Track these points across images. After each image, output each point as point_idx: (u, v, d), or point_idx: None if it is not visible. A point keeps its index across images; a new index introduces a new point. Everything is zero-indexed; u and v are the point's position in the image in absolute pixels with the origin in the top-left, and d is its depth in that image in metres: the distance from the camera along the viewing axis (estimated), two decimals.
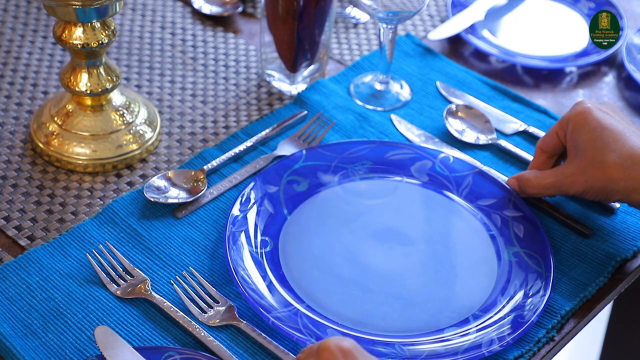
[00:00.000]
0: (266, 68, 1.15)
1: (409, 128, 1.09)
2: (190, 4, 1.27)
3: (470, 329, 0.86)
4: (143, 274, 0.89)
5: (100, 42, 0.98)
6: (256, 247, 0.92)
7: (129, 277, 0.89)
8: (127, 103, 1.05)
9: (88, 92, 1.00)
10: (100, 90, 1.01)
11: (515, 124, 1.10)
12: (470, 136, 1.07)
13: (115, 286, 0.88)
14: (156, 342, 0.84)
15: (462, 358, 0.83)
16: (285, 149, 1.04)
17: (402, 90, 1.14)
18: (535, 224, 0.95)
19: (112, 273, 0.89)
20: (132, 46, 1.20)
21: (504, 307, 0.88)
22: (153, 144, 1.05)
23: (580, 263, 0.94)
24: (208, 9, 1.26)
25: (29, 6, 1.25)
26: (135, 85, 1.14)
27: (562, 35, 1.26)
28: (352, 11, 1.28)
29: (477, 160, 1.04)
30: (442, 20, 1.28)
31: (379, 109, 1.11)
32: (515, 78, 1.19)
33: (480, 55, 1.22)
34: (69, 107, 1.03)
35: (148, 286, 0.88)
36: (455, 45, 1.24)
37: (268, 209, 0.96)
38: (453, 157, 1.02)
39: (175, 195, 0.97)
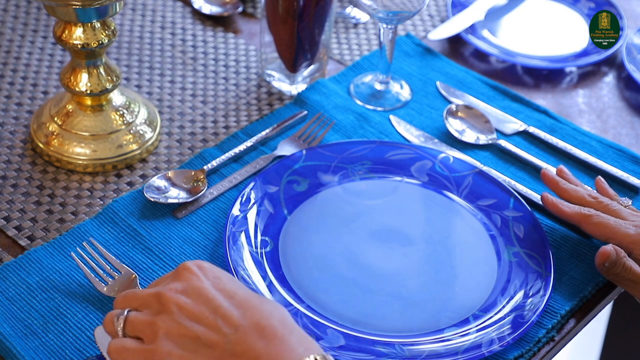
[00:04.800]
0: (266, 68, 1.15)
1: (407, 129, 1.08)
2: (190, 4, 1.27)
3: (470, 329, 0.86)
4: (130, 269, 0.88)
5: (100, 42, 0.98)
6: (256, 247, 0.92)
7: (116, 274, 0.88)
8: (127, 103, 1.05)
9: (88, 92, 1.00)
10: (100, 90, 1.01)
11: (515, 124, 1.10)
12: (470, 136, 1.07)
13: (104, 284, 0.87)
14: None
15: (462, 358, 0.83)
16: (285, 149, 1.04)
17: (402, 90, 1.14)
18: (535, 224, 0.95)
19: (100, 272, 0.88)
20: (132, 46, 1.20)
21: (504, 307, 0.88)
22: (153, 144, 1.05)
23: (580, 263, 0.94)
24: (208, 9, 1.25)
25: (29, 6, 1.25)
26: (135, 85, 1.14)
27: (562, 35, 1.26)
28: (352, 11, 1.28)
29: (477, 160, 1.04)
30: (442, 20, 1.28)
31: (379, 109, 1.11)
32: (515, 78, 1.19)
33: (480, 55, 1.22)
34: (69, 107, 1.03)
35: (136, 282, 0.87)
36: (455, 45, 1.24)
37: (268, 209, 0.96)
38: (453, 157, 1.02)
39: (175, 195, 0.97)
